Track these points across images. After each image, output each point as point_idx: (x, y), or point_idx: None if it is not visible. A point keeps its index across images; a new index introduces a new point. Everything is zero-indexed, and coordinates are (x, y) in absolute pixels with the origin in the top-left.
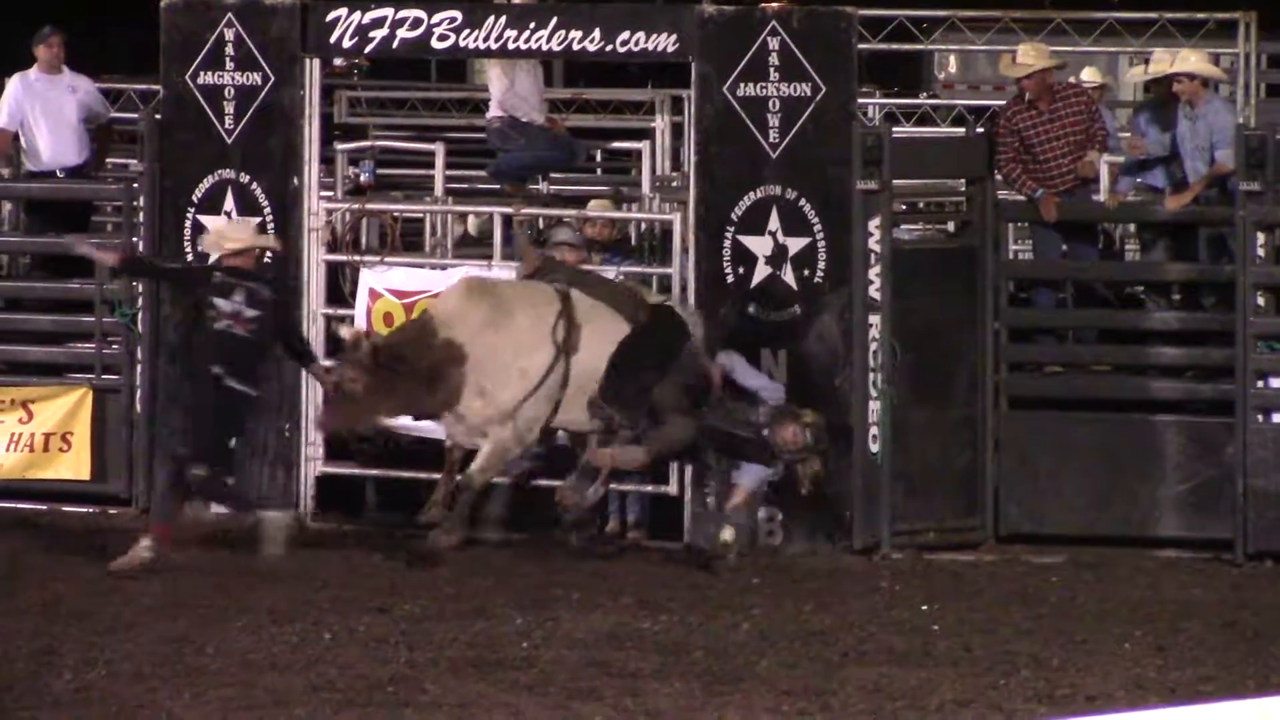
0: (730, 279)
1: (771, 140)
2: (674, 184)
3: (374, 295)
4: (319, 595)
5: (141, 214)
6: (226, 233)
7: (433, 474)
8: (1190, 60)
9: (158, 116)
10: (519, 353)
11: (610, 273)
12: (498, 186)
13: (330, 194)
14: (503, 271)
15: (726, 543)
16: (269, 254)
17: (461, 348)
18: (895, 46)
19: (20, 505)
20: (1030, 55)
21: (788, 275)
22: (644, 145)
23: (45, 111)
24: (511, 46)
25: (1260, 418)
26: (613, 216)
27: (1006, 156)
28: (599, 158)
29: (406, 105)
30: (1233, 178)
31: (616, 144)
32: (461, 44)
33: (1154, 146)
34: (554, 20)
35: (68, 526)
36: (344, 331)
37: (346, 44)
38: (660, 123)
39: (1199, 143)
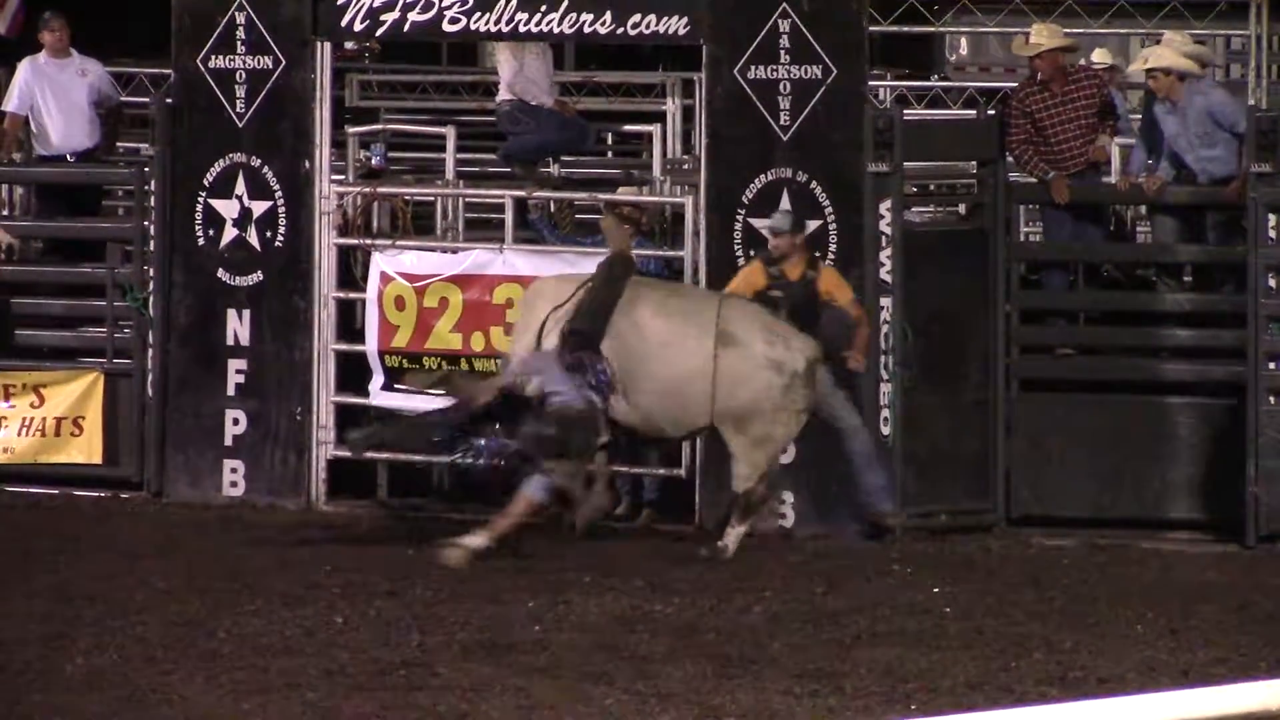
0: (742, 261)
1: (782, 123)
2: (685, 167)
3: (385, 279)
4: (331, 579)
5: (152, 198)
6: None
7: (445, 457)
8: (1164, 56)
9: (169, 100)
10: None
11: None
12: (509, 170)
13: (341, 177)
14: (514, 256)
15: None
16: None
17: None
18: (906, 28)
19: (32, 489)
20: (1043, 35)
21: None
22: (655, 128)
23: (55, 95)
24: (523, 30)
25: (1272, 400)
26: (629, 201)
27: (1018, 138)
28: (610, 141)
29: (418, 89)
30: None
31: (627, 127)
32: (472, 27)
33: (1165, 173)
34: (565, 3)
35: (79, 510)
36: None
37: (357, 27)
38: (671, 105)
39: (1197, 131)
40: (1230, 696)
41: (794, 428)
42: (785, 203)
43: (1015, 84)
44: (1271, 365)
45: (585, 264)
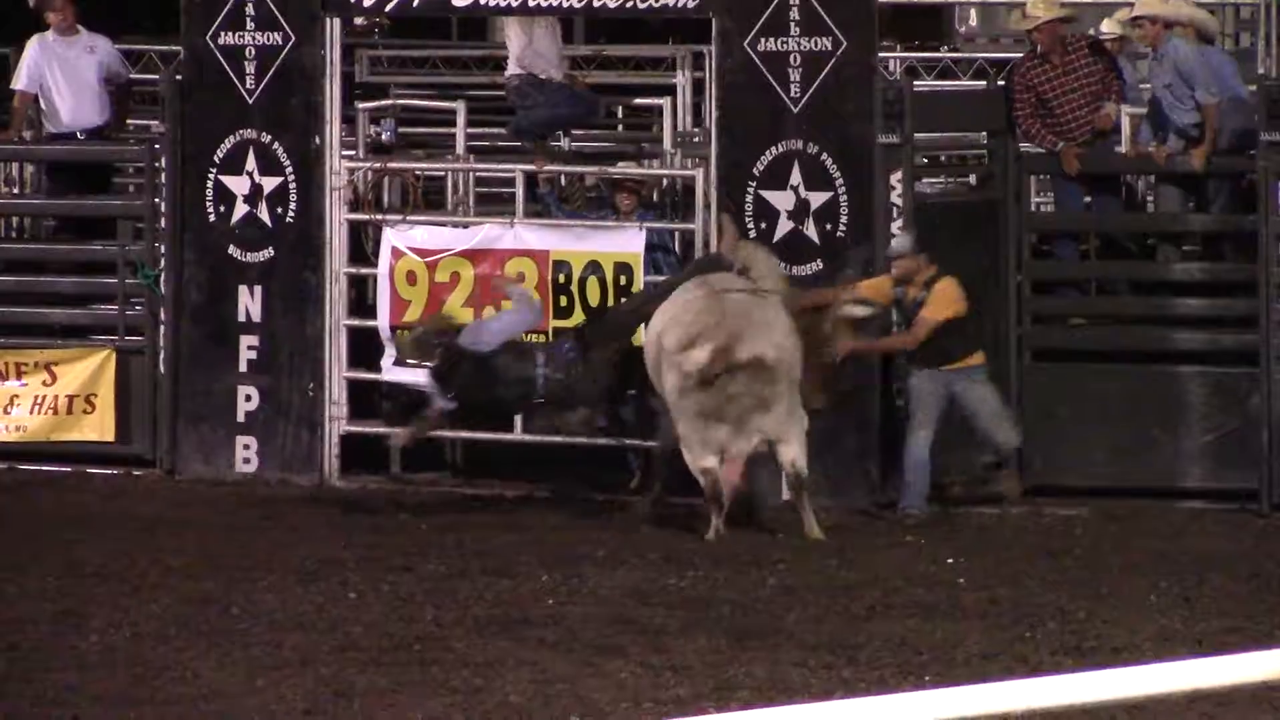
0: (753, 234)
1: (793, 95)
2: (696, 140)
3: (396, 254)
4: (344, 554)
5: (163, 175)
6: None
7: (459, 433)
8: (1148, 3)
9: (179, 77)
10: None
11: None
12: (519, 144)
13: (352, 153)
14: (524, 230)
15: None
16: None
17: None
18: (916, 0)
19: (45, 467)
20: (1039, 7)
21: (810, 230)
22: (665, 101)
23: (64, 73)
24: (532, 4)
25: None
26: (636, 174)
27: (1024, 112)
28: (620, 114)
29: (427, 63)
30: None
31: (638, 100)
32: (482, 1)
33: (1173, 143)
34: None
35: (92, 488)
36: None
37: (367, 3)
38: (681, 79)
39: (1165, 80)
40: (1245, 665)
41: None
42: (796, 175)
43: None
44: None
45: (596, 238)
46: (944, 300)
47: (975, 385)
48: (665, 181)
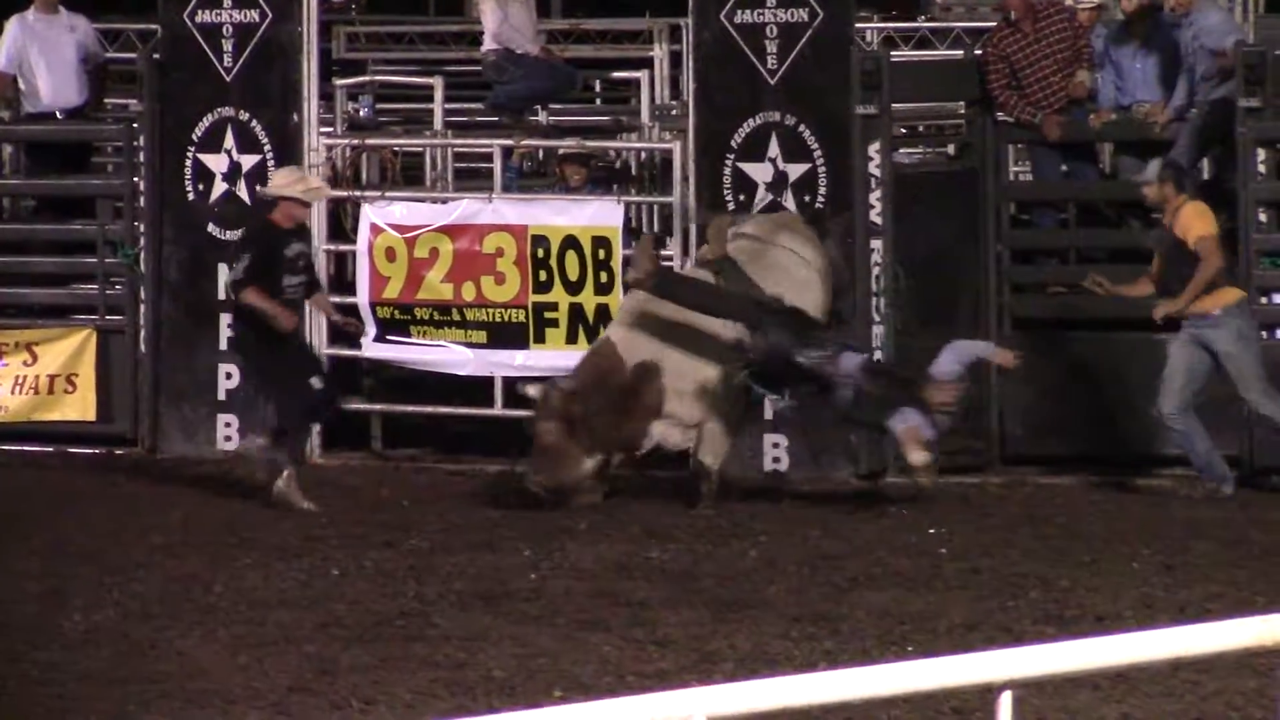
0: (731, 206)
1: (770, 67)
2: (673, 112)
3: (375, 230)
4: (326, 531)
5: (142, 154)
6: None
7: (439, 408)
8: None
9: (156, 56)
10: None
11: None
12: (496, 119)
13: (330, 130)
14: (503, 204)
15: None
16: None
17: (655, 364)
18: None
19: (27, 447)
20: None
21: (789, 201)
22: (643, 74)
23: (44, 52)
24: None
25: (1264, 334)
26: (616, 146)
27: (999, 85)
28: (598, 88)
29: (405, 40)
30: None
31: (615, 74)
32: None
33: (1175, 106)
34: None
35: (74, 468)
36: (530, 390)
37: None
38: (659, 51)
39: (1193, 46)
40: (1227, 632)
41: None
42: (774, 147)
43: None
44: (1263, 299)
45: (574, 212)
46: (1201, 217)
47: (1227, 338)
48: (644, 154)
